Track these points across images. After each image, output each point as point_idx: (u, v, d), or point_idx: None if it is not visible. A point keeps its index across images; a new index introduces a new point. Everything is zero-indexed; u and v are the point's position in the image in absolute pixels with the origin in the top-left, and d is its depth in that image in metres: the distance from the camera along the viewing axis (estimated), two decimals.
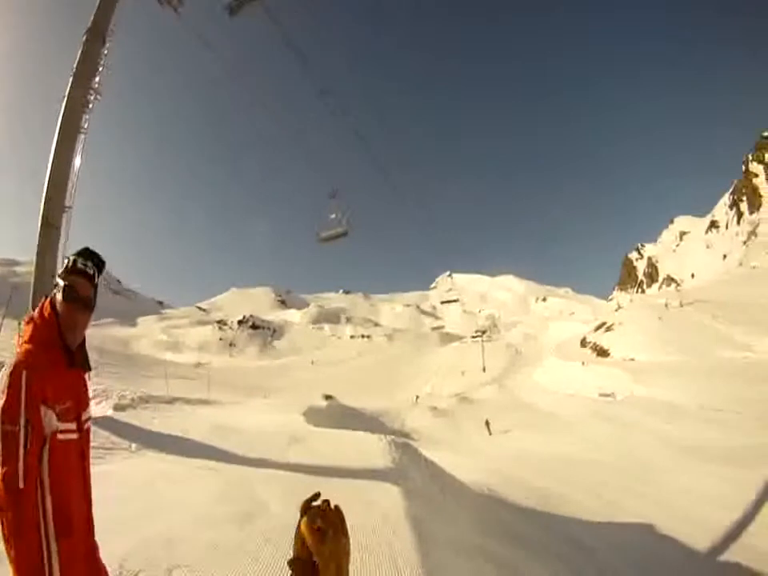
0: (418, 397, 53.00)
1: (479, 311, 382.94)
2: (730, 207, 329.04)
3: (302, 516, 1.68)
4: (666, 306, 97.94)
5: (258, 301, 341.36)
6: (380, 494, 8.52)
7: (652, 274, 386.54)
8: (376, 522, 7.07)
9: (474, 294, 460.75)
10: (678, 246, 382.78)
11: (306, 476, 9.45)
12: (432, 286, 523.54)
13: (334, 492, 6.92)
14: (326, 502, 1.76)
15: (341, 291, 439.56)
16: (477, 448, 36.77)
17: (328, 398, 45.39)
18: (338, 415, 37.65)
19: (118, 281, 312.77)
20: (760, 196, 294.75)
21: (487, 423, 42.35)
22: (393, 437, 16.08)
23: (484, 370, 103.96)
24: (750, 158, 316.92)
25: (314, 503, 1.76)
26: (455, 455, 28.05)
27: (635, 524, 17.94)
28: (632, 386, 55.51)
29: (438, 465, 16.47)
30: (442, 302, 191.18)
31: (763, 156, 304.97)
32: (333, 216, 24.15)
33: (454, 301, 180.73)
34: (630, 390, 54.80)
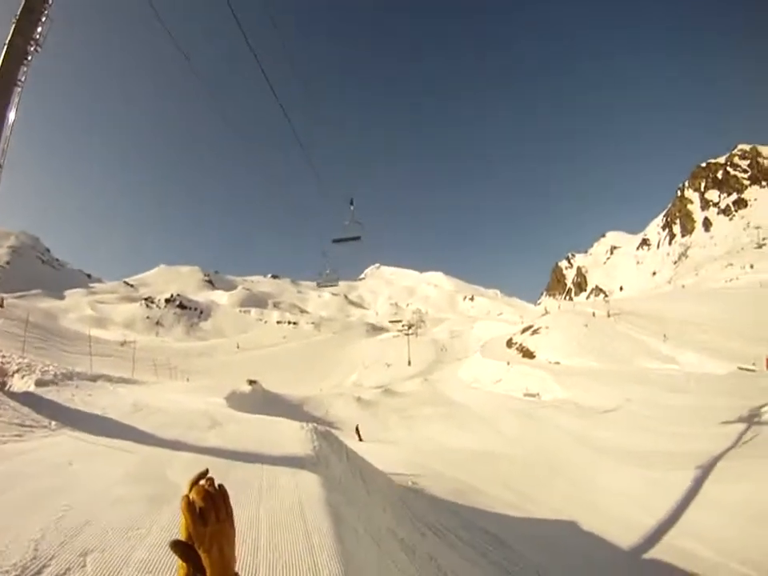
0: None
1: (407, 305, 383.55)
2: (663, 228, 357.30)
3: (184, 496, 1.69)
4: (594, 314, 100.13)
5: (185, 279, 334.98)
6: (298, 481, 8.46)
7: (581, 283, 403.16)
8: (293, 507, 7.05)
9: (402, 287, 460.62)
10: (608, 259, 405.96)
11: (224, 460, 9.39)
12: (360, 276, 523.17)
13: (252, 477, 6.94)
14: (210, 480, 1.78)
15: (269, 275, 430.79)
16: (397, 439, 36.99)
17: (252, 382, 44.81)
18: (261, 401, 37.40)
19: (47, 249, 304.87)
20: (693, 221, 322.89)
21: (357, 430, 42.06)
22: (315, 425, 16.09)
23: (409, 363, 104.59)
24: (686, 185, 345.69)
25: (200, 482, 1.77)
26: (377, 446, 28.20)
27: (554, 520, 18.39)
28: (556, 388, 56.97)
29: (359, 455, 16.55)
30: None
31: (699, 184, 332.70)
32: (347, 222, 26.60)
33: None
34: (554, 391, 55.95)
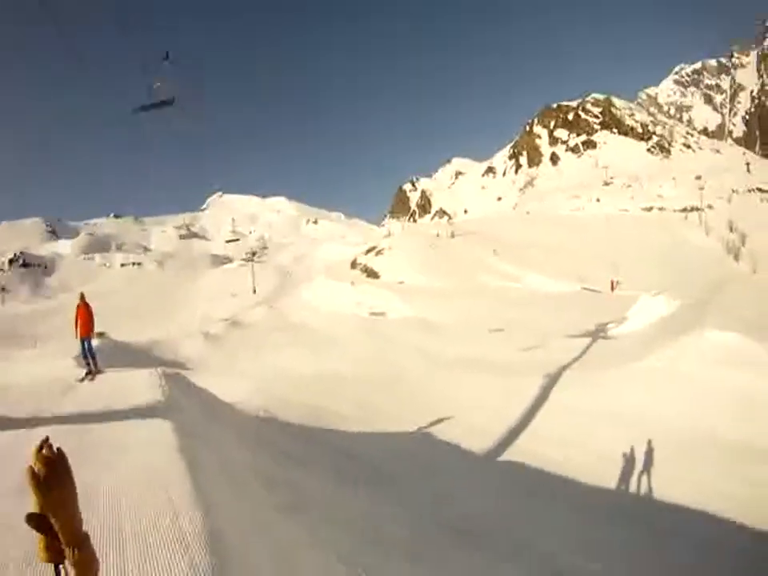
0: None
1: (250, 233, 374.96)
2: (510, 158, 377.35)
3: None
4: (438, 235, 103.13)
5: (29, 234, 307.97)
6: (151, 431, 8.85)
7: (425, 206, 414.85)
8: (148, 458, 7.33)
9: (245, 215, 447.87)
10: (453, 183, 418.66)
11: (81, 426, 9.45)
12: (203, 207, 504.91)
13: (106, 435, 7.56)
14: (49, 446, 1.86)
15: (111, 215, 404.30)
16: (247, 371, 36.99)
17: (99, 335, 43.24)
18: (111, 352, 36.55)
19: None
20: (541, 155, 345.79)
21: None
22: (164, 369, 16.32)
23: (254, 291, 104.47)
24: (536, 121, 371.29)
25: (43, 451, 1.83)
26: (226, 380, 28.22)
27: (407, 432, 19.44)
28: (402, 307, 58.86)
29: (210, 392, 17.04)
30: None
31: (548, 122, 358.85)
32: (158, 84, 21.13)
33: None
34: (401, 310, 57.91)
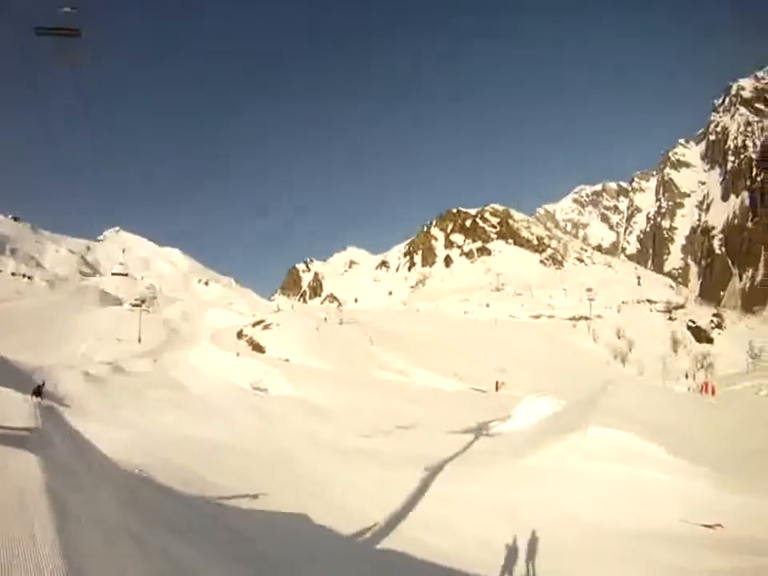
0: None
1: (141, 278, 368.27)
2: (404, 255, 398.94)
3: None
4: (326, 319, 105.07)
5: None
6: (18, 463, 7.69)
7: (316, 288, 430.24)
8: (11, 493, 6.39)
9: (138, 258, 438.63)
10: (346, 271, 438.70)
11: None
12: (100, 237, 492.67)
13: None
14: None
15: (10, 216, 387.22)
16: (127, 422, 35.59)
17: None
18: None
19: None
20: (435, 255, 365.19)
21: None
22: (40, 399, 15.01)
23: (140, 341, 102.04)
24: (434, 223, 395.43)
25: None
26: (104, 428, 26.88)
27: (291, 513, 18.48)
28: (285, 385, 58.97)
29: (85, 437, 15.67)
30: (114, 273, 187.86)
31: (446, 226, 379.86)
32: (67, 9, 18.11)
33: (124, 274, 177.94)
34: (284, 388, 58.05)
